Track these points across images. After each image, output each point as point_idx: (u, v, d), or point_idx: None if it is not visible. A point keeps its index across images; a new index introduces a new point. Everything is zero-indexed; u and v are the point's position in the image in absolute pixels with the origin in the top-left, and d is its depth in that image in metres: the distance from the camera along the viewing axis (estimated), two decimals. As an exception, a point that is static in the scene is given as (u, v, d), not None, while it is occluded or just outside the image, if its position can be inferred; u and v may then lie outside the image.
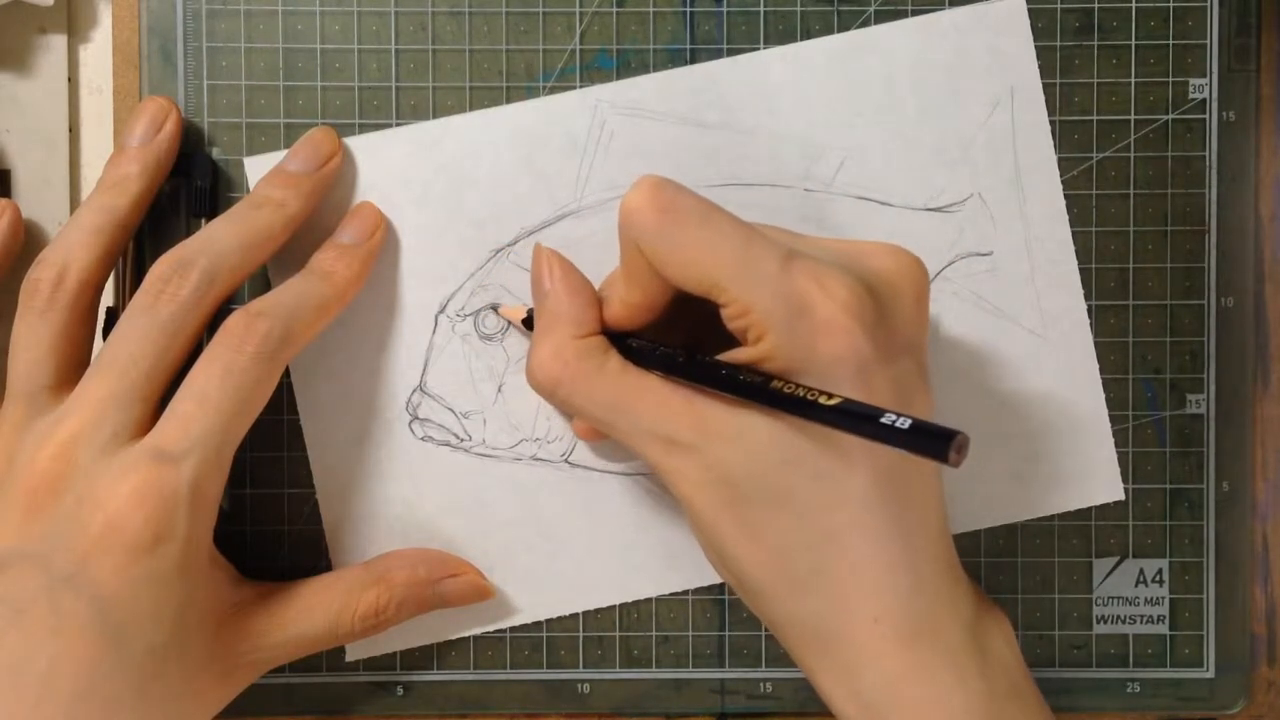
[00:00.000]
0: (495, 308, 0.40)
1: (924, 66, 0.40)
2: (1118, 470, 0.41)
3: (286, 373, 0.40)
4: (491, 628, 0.41)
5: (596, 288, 0.38)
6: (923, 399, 0.34)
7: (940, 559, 0.34)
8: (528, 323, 0.39)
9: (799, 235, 0.35)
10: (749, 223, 0.34)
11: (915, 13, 0.40)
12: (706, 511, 0.34)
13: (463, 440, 0.40)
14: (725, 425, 0.33)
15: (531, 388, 0.36)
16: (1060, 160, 0.40)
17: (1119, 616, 0.41)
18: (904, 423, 0.29)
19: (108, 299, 0.39)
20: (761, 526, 0.33)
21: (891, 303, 0.33)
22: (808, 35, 0.40)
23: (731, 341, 0.34)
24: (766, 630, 0.41)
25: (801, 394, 0.31)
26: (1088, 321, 0.41)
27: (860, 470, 0.32)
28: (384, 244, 0.39)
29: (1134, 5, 0.40)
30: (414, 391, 0.40)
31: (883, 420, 0.29)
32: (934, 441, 0.28)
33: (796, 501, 0.33)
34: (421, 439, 0.40)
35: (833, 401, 0.31)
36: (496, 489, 0.40)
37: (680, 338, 0.36)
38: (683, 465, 0.34)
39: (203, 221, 0.39)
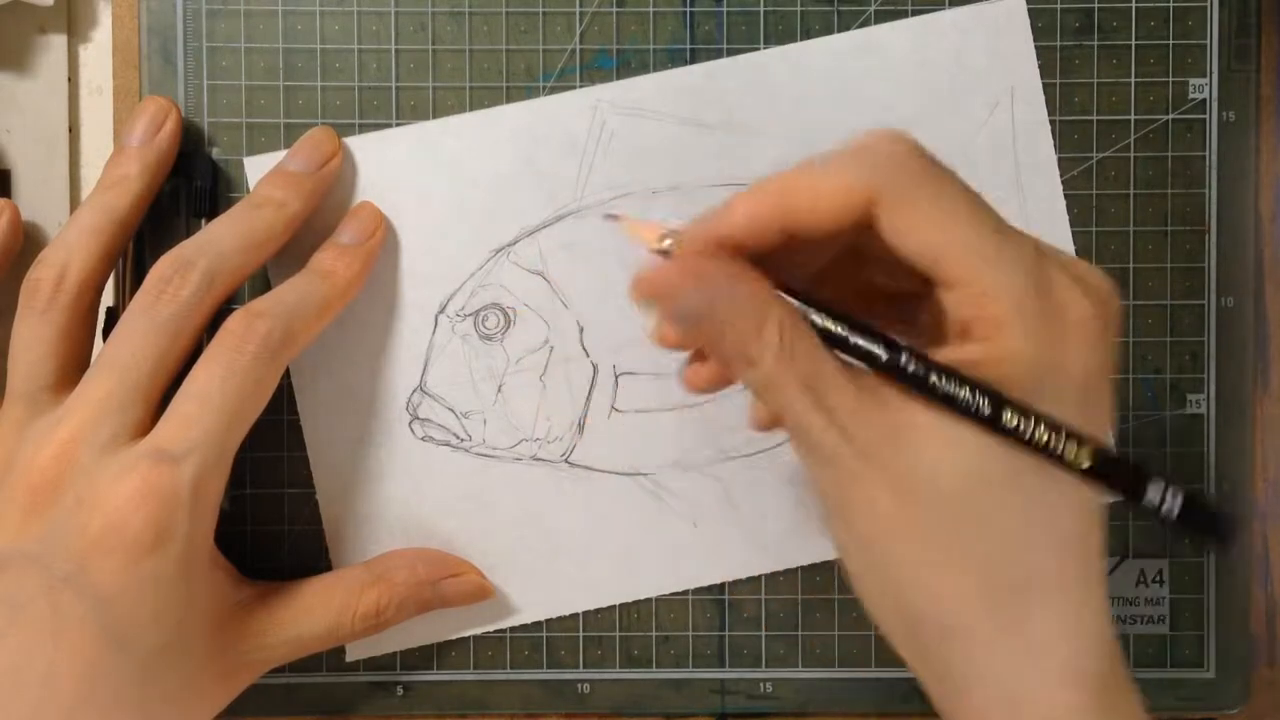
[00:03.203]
0: (615, 216, 0.33)
1: (924, 66, 0.40)
2: (1118, 470, 0.41)
3: (286, 373, 0.40)
4: (491, 628, 0.41)
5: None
6: (1112, 419, 0.30)
7: (1108, 615, 0.30)
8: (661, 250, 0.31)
9: None
10: None
11: (915, 13, 0.40)
12: (890, 526, 0.29)
13: (463, 440, 0.40)
14: (935, 432, 0.28)
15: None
16: (1060, 160, 0.40)
17: (1119, 616, 0.41)
18: (1177, 502, 0.26)
19: (108, 299, 0.39)
20: (955, 549, 0.28)
21: (1112, 319, 0.30)
22: (808, 35, 0.40)
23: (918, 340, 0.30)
24: (767, 631, 0.41)
25: (1062, 442, 0.27)
26: (1088, 321, 0.41)
27: (1075, 505, 0.29)
28: (384, 244, 0.39)
29: (1134, 5, 0.40)
30: (414, 391, 0.40)
31: (1151, 485, 0.27)
32: (1209, 525, 0.26)
33: (1002, 526, 0.28)
34: (421, 439, 0.40)
35: (1101, 459, 0.27)
36: (496, 489, 0.40)
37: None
38: (869, 471, 0.28)
39: (203, 221, 0.39)
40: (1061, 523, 0.29)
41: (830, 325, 0.29)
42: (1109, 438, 0.29)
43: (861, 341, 0.29)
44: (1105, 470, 0.27)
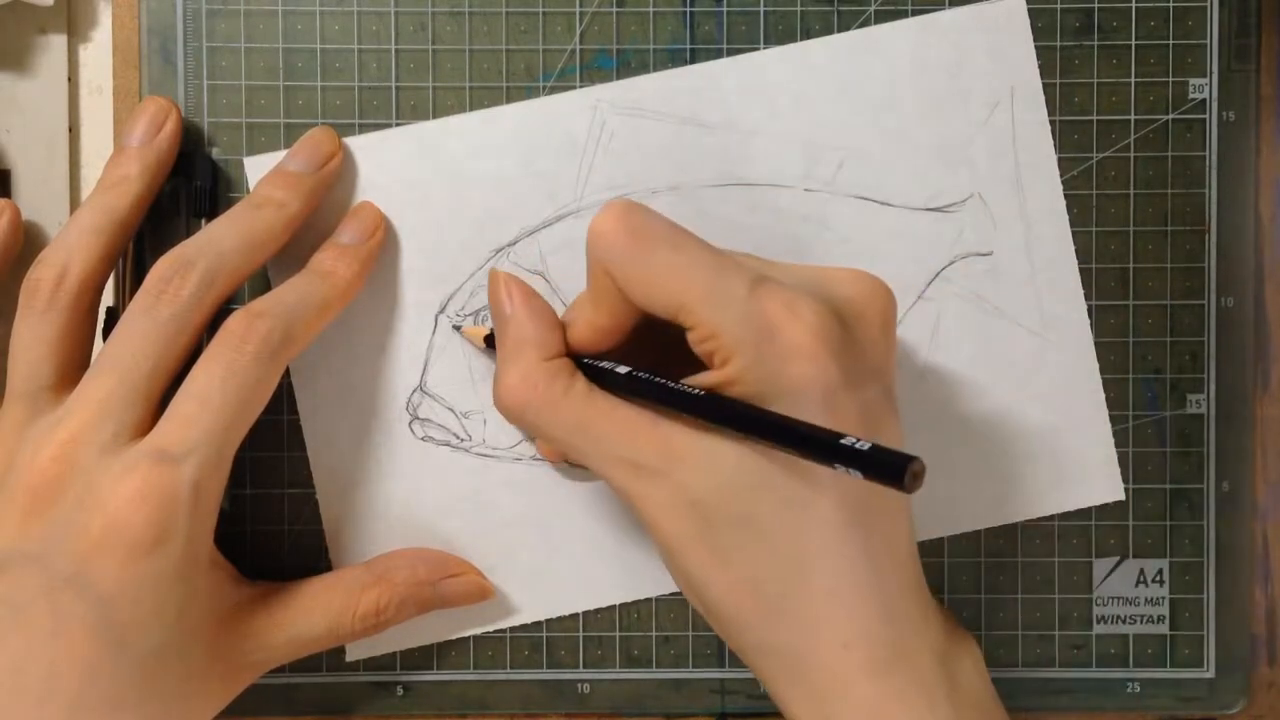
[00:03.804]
0: (458, 327, 0.40)
1: (924, 66, 0.40)
2: (1118, 470, 0.41)
3: (286, 373, 0.40)
4: (491, 628, 0.41)
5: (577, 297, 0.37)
6: (891, 426, 0.34)
7: (909, 584, 0.34)
8: (490, 341, 0.39)
9: (768, 261, 0.35)
10: (718, 248, 0.34)
11: (915, 13, 0.40)
12: (674, 537, 0.33)
13: (463, 440, 0.40)
14: (692, 449, 0.33)
15: (498, 410, 0.36)
16: (1060, 160, 0.40)
17: (1119, 616, 0.41)
18: (864, 446, 0.29)
19: (108, 299, 0.39)
20: (730, 553, 0.33)
21: (858, 328, 0.33)
22: (808, 35, 0.40)
23: (695, 367, 0.34)
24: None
25: (759, 417, 0.31)
26: (1088, 321, 0.41)
27: (828, 495, 0.32)
28: (384, 244, 0.39)
29: (1134, 5, 0.40)
30: (414, 391, 0.40)
31: (842, 443, 0.29)
32: (889, 467, 0.28)
33: (765, 527, 0.32)
34: (421, 439, 0.40)
35: (802, 427, 0.30)
36: (496, 489, 0.40)
37: (644, 363, 0.36)
38: (650, 490, 0.33)
39: (203, 222, 0.39)
40: (817, 510, 0.32)
41: (609, 368, 0.35)
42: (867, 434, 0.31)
43: (605, 365, 0.35)
44: (803, 431, 0.30)
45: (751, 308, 0.32)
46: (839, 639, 0.33)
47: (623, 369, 0.35)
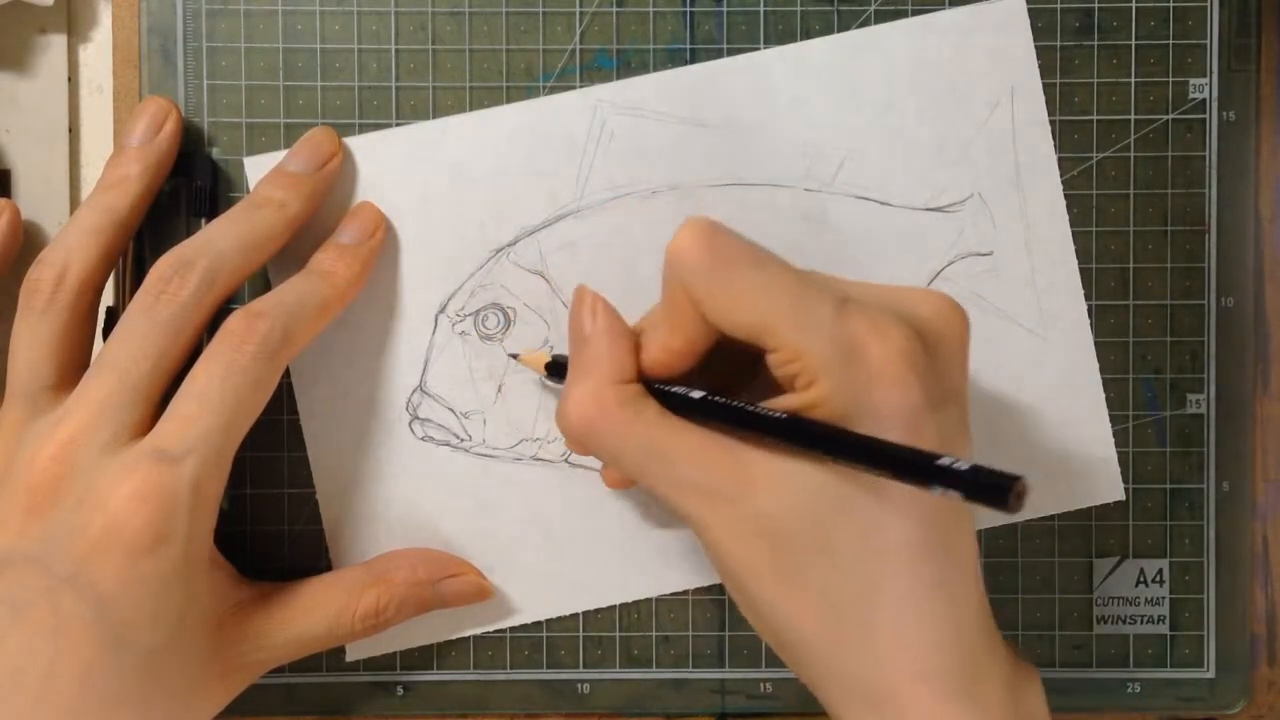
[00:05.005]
0: (514, 355, 0.40)
1: (924, 66, 0.40)
2: (1118, 470, 0.41)
3: (286, 373, 0.40)
4: (491, 628, 0.41)
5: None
6: (964, 447, 0.33)
7: (978, 611, 0.33)
8: (552, 369, 0.38)
9: (845, 280, 0.34)
10: (799, 268, 0.33)
11: (915, 13, 0.40)
12: (744, 565, 0.32)
13: (463, 440, 0.40)
14: (770, 474, 0.32)
15: (561, 431, 0.35)
16: (1060, 160, 0.40)
17: (1119, 616, 0.41)
18: (963, 466, 0.28)
19: (108, 299, 0.39)
20: (803, 579, 0.32)
21: (938, 349, 0.32)
22: (808, 35, 0.40)
23: (759, 391, 0.33)
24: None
25: (852, 440, 0.30)
26: (1088, 321, 0.41)
27: (906, 520, 0.31)
28: (384, 244, 0.39)
29: (1134, 5, 0.40)
30: (414, 391, 0.40)
31: (939, 463, 0.28)
32: (991, 489, 0.27)
33: (842, 551, 0.31)
34: (421, 439, 0.40)
35: (898, 449, 0.30)
36: (496, 489, 0.40)
37: (706, 388, 0.35)
38: (721, 516, 0.32)
39: (203, 221, 0.39)
40: (894, 535, 0.31)
41: (681, 391, 0.34)
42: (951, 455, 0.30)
43: (678, 389, 0.34)
44: (908, 455, 0.29)
45: (838, 330, 0.31)
46: (912, 667, 0.32)
47: (697, 393, 0.34)
